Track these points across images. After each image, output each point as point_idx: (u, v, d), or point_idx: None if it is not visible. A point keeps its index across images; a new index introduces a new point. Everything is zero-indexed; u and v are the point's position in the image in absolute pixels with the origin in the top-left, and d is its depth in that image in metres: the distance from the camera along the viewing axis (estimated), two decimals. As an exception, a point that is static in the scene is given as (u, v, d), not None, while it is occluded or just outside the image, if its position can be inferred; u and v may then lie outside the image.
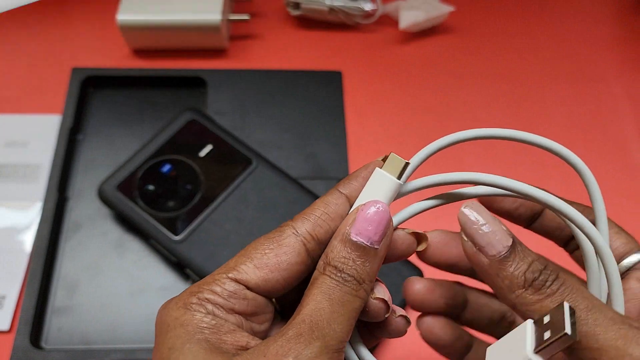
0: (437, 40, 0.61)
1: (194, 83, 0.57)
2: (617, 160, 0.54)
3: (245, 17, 0.60)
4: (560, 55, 0.61)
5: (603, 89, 0.58)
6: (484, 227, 0.24)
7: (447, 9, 0.60)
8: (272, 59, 0.60)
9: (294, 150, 0.53)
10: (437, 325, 0.31)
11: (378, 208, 0.24)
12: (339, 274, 0.23)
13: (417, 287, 0.31)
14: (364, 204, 0.24)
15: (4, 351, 0.45)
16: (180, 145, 0.50)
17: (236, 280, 0.24)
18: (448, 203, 0.26)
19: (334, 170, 0.52)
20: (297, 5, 0.60)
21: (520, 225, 0.30)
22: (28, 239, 0.50)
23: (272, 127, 0.54)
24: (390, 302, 0.25)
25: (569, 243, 0.29)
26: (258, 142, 0.53)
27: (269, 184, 0.48)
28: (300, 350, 0.22)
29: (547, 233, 0.29)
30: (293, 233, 0.24)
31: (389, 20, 0.62)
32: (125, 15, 0.57)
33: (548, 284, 0.23)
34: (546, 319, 0.22)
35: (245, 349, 0.23)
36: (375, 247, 0.24)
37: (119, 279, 0.47)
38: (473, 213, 0.25)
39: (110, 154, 0.53)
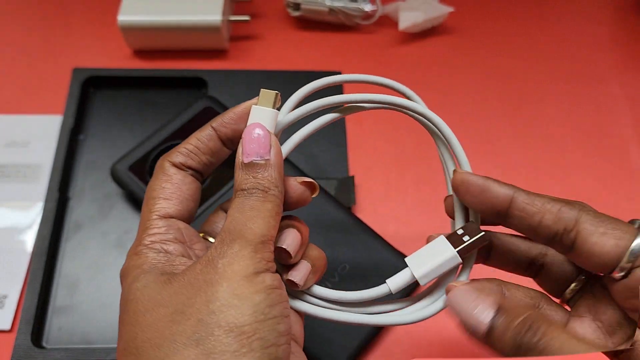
0: (437, 40, 0.62)
1: (195, 83, 0.57)
2: (616, 160, 0.54)
3: (245, 18, 0.60)
4: (560, 55, 0.61)
5: (602, 89, 0.58)
6: (466, 307, 0.26)
7: (447, 9, 0.60)
8: (272, 59, 0.60)
9: (294, 150, 0.53)
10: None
11: (254, 128, 0.28)
12: (245, 192, 0.27)
13: None
14: (244, 131, 0.28)
15: (6, 350, 0.45)
16: (194, 131, 0.50)
17: (162, 217, 0.29)
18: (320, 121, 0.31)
19: (334, 171, 0.52)
20: (297, 6, 0.60)
21: (495, 221, 0.29)
22: (29, 239, 0.50)
23: None
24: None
25: (554, 245, 0.28)
26: None
27: None
28: (226, 250, 0.25)
29: (523, 232, 0.29)
30: (169, 163, 0.30)
31: (389, 21, 0.62)
32: (125, 15, 0.57)
33: (533, 345, 0.24)
34: (460, 232, 0.29)
35: None
36: (266, 157, 0.27)
37: (119, 279, 0.47)
38: (456, 297, 0.27)
39: (111, 154, 0.53)
